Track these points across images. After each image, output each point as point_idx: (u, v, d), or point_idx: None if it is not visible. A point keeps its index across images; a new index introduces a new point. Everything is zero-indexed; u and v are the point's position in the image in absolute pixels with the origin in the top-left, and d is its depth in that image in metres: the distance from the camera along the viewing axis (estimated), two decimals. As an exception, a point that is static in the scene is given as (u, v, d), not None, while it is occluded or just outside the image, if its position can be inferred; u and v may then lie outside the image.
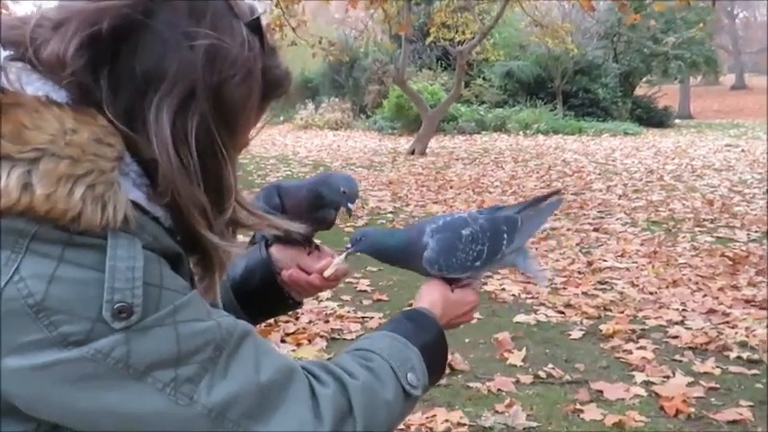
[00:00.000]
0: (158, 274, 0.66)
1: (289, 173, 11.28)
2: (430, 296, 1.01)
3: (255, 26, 0.75)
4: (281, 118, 22.71)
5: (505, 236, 1.06)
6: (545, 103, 19.82)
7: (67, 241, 0.62)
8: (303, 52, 12.59)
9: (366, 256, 1.08)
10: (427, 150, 14.02)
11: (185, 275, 0.72)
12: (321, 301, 4.57)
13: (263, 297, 1.07)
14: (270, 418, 0.70)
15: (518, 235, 1.08)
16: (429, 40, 15.17)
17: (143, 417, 0.65)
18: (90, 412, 0.64)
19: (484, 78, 20.57)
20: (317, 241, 1.18)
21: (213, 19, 0.70)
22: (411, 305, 1.07)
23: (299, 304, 1.15)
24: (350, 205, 1.09)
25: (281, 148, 15.61)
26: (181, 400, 0.65)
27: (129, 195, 0.66)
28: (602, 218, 7.49)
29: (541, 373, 3.46)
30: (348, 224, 6.11)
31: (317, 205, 1.12)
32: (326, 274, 1.08)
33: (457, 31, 14.09)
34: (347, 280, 4.96)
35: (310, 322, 4.13)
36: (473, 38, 14.01)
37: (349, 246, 1.06)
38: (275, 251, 1.12)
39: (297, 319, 4.21)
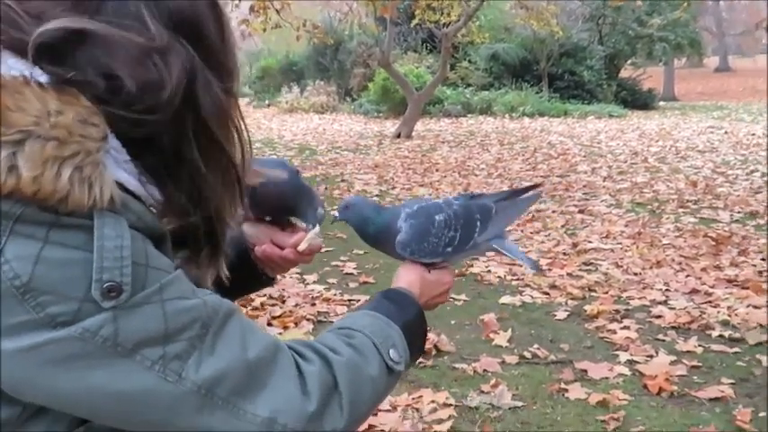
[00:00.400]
0: (144, 253, 0.66)
1: (274, 156, 11.22)
2: (408, 276, 1.03)
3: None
4: (267, 102, 22.57)
5: (478, 224, 1.08)
6: (531, 86, 19.83)
7: (53, 222, 0.62)
8: (288, 35, 12.51)
9: (352, 234, 1.09)
10: (413, 133, 14.00)
11: (168, 254, 0.72)
12: (307, 284, 4.58)
13: (237, 274, 1.07)
14: (258, 395, 0.70)
15: (492, 224, 1.09)
16: (414, 22, 15.10)
17: (132, 394, 0.65)
18: (79, 392, 0.64)
19: (469, 61, 20.52)
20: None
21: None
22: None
23: (273, 280, 1.15)
24: (316, 227, 1.11)
25: (266, 131, 15.53)
26: (170, 377, 0.66)
27: (113, 175, 0.66)
28: (587, 200, 7.53)
29: (527, 354, 3.49)
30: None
31: (287, 211, 1.12)
32: (300, 248, 1.08)
33: (442, 14, 14.01)
34: (333, 263, 4.97)
35: (297, 305, 4.14)
36: (458, 20, 13.96)
37: (336, 213, 1.06)
38: (247, 227, 1.12)
39: (283, 302, 4.21)
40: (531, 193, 1.17)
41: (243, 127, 0.79)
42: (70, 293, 0.61)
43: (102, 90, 0.66)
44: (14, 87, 0.62)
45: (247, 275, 1.10)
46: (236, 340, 0.70)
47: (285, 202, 1.12)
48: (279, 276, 1.19)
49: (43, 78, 0.64)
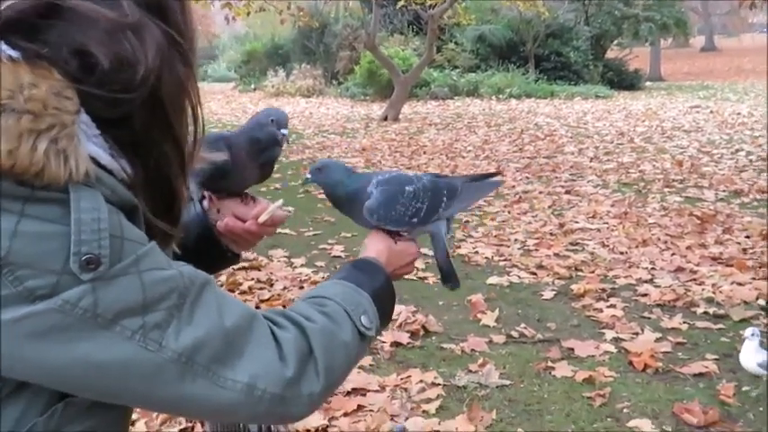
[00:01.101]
0: (119, 226, 0.66)
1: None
2: (375, 246, 1.05)
3: None
4: (252, 86, 22.42)
5: (445, 199, 1.11)
6: (517, 68, 19.80)
7: (28, 196, 0.62)
8: (273, 18, 12.40)
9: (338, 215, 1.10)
10: (400, 116, 13.97)
11: (141, 227, 0.72)
12: (295, 267, 4.58)
13: (202, 252, 1.07)
14: (237, 362, 0.71)
15: (456, 201, 1.12)
16: (400, 4, 14.98)
17: (114, 365, 0.65)
18: (61, 365, 0.64)
19: (456, 43, 20.43)
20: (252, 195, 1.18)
21: None
22: None
23: (238, 257, 1.16)
24: (283, 132, 1.11)
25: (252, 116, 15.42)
26: (150, 346, 0.66)
27: (86, 149, 0.66)
28: (574, 180, 7.56)
29: (514, 333, 3.52)
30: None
31: (258, 149, 1.12)
32: (261, 219, 1.08)
33: (428, -5, 13.93)
34: (320, 246, 4.97)
35: (285, 288, 4.14)
36: (444, 2, 13.87)
37: (308, 174, 1.07)
38: (209, 204, 1.12)
39: (271, 285, 4.22)
40: (493, 179, 1.21)
41: (198, 106, 0.79)
42: (48, 266, 0.62)
43: (76, 68, 0.66)
44: None
45: (212, 252, 1.11)
46: (213, 309, 0.71)
47: (251, 147, 1.12)
48: (244, 253, 1.19)
49: (14, 53, 0.64)
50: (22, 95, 0.62)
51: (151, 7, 0.70)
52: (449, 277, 1.20)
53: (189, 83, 0.75)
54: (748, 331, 2.92)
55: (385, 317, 0.94)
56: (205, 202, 1.12)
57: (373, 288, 0.92)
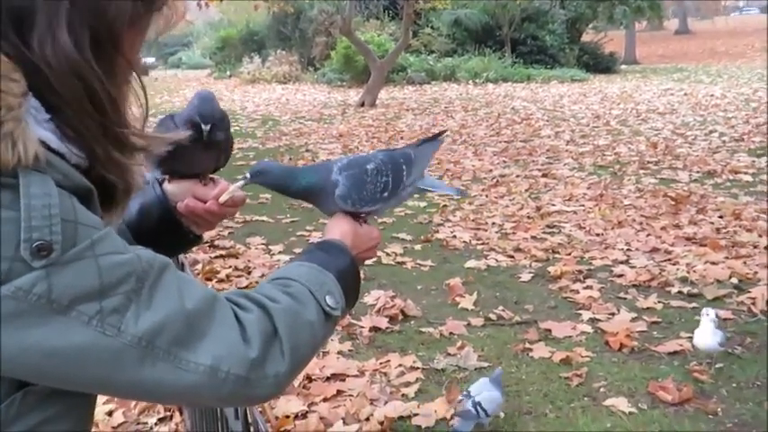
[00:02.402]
0: (72, 210, 0.65)
1: (237, 128, 11.09)
2: (339, 228, 1.04)
3: None
4: (228, 72, 22.21)
5: (404, 167, 1.12)
6: (494, 52, 19.82)
7: None
8: (247, 4, 12.28)
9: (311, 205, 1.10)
10: (377, 102, 13.93)
11: (96, 211, 0.71)
12: (273, 254, 4.57)
13: (163, 234, 1.06)
14: (199, 344, 0.71)
15: (414, 167, 1.14)
16: (375, -12, 14.93)
17: (72, 351, 0.64)
18: (18, 352, 0.63)
19: (432, 27, 20.39)
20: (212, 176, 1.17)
21: None
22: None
23: (200, 238, 1.15)
24: (204, 128, 1.08)
25: (228, 103, 15.30)
26: (108, 331, 0.65)
27: (35, 133, 0.65)
28: (551, 163, 7.60)
29: (492, 316, 3.54)
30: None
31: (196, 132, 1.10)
32: (221, 199, 1.08)
33: (403, -21, 13.88)
34: (298, 233, 4.96)
35: (263, 276, 4.12)
36: (420, -14, 13.85)
37: (247, 175, 1.06)
38: (169, 186, 1.12)
39: (249, 273, 4.20)
40: (439, 136, 1.23)
41: (141, 89, 0.77)
42: (0, 253, 0.61)
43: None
44: None
45: (174, 234, 1.10)
46: (172, 292, 0.70)
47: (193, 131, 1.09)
48: (205, 234, 1.18)
49: None
50: None
51: None
52: (460, 193, 1.34)
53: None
54: (704, 312, 2.96)
55: (351, 297, 0.93)
56: (165, 185, 1.11)
57: (338, 268, 0.91)
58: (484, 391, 2.53)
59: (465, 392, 2.57)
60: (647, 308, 3.58)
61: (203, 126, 1.08)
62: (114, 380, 0.68)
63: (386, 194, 1.08)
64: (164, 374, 0.69)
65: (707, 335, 2.87)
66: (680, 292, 3.77)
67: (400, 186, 1.11)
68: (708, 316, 2.90)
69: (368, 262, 1.14)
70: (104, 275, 0.65)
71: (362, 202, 1.06)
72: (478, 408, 2.48)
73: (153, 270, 0.70)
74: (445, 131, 1.33)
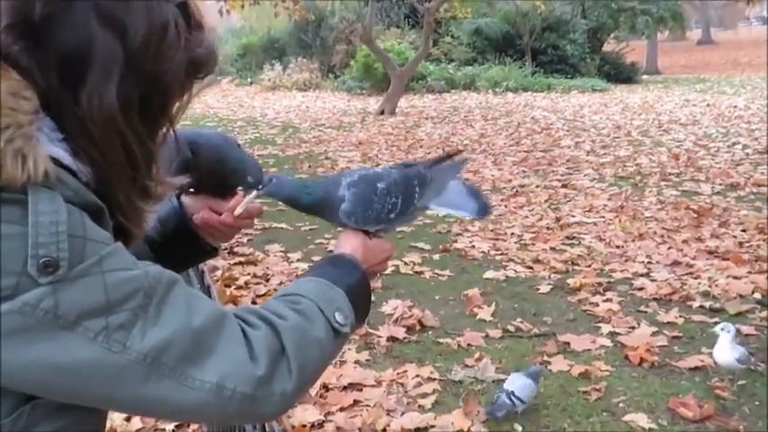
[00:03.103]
0: (81, 226, 0.66)
1: (257, 135, 11.15)
2: (350, 242, 1.03)
3: (183, 5, 0.75)
4: (249, 80, 22.35)
5: (417, 189, 1.10)
6: (514, 61, 19.76)
7: None
8: (269, 11, 12.36)
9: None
10: (396, 110, 13.94)
11: (107, 227, 0.71)
12: (292, 262, 4.58)
13: (180, 246, 1.07)
14: (205, 362, 0.70)
15: (428, 190, 1.12)
16: (396, -3, 14.97)
17: (77, 366, 0.65)
18: (23, 367, 0.63)
19: (452, 36, 20.39)
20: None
21: (143, 2, 0.70)
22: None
23: (217, 250, 1.15)
24: (253, 192, 1.11)
25: (248, 110, 15.40)
26: (114, 347, 0.65)
27: (46, 150, 0.66)
28: (571, 174, 7.56)
29: (510, 327, 3.52)
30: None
31: (225, 177, 1.13)
32: (237, 212, 1.07)
33: (424, -12, 13.89)
34: (317, 241, 4.97)
35: (281, 284, 4.13)
36: (441, -6, 13.85)
37: (259, 187, 1.06)
38: (186, 198, 1.12)
39: (267, 280, 4.21)
40: (457, 159, 1.20)
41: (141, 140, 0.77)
42: (8, 268, 0.61)
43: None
44: None
45: (190, 246, 1.10)
46: (180, 309, 0.70)
47: (223, 171, 1.11)
48: (222, 246, 1.18)
49: None
50: None
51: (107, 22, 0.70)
52: (480, 211, 1.18)
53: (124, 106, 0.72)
54: (719, 327, 2.92)
55: (361, 313, 0.93)
56: (184, 197, 1.11)
57: (348, 284, 0.91)
58: (516, 381, 2.66)
59: (500, 388, 2.68)
60: (668, 322, 3.54)
61: (258, 188, 1.09)
62: (119, 396, 0.68)
63: (392, 216, 1.06)
64: (169, 391, 0.69)
65: (725, 350, 2.83)
66: (701, 306, 3.72)
67: (409, 208, 1.09)
68: (725, 330, 2.86)
69: (386, 271, 1.13)
70: (111, 291, 0.66)
71: (367, 220, 1.05)
72: (512, 397, 2.60)
73: (161, 286, 0.70)
74: (461, 151, 1.31)
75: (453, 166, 1.19)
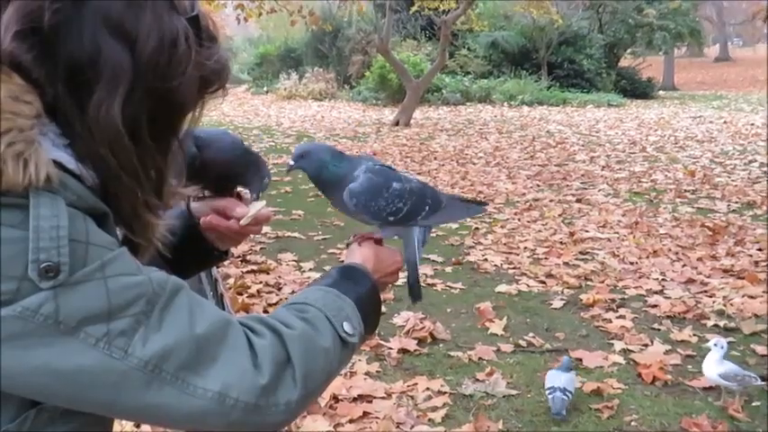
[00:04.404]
0: (84, 231, 0.65)
1: (272, 143, 11.20)
2: (361, 252, 1.02)
3: (195, 20, 0.75)
4: (265, 88, 22.48)
5: (426, 208, 1.08)
6: (530, 74, 19.75)
7: None
8: (286, 21, 12.42)
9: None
10: (411, 121, 13.96)
11: (112, 232, 0.71)
12: (304, 271, 4.58)
13: (187, 250, 1.05)
14: (208, 370, 0.70)
15: (437, 215, 1.10)
16: (413, 9, 15.02)
17: (78, 372, 0.64)
18: (23, 372, 0.63)
19: (468, 49, 20.42)
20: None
21: (153, 14, 0.70)
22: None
23: (226, 254, 1.14)
24: (260, 193, 1.12)
25: (264, 118, 15.48)
26: (115, 353, 0.65)
27: (49, 154, 0.66)
28: (585, 189, 7.53)
29: (522, 342, 3.50)
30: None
31: (236, 176, 1.12)
32: (242, 222, 1.06)
33: (441, 1, 13.93)
34: (329, 250, 4.97)
35: (293, 292, 4.13)
36: (458, 7, 13.88)
37: (291, 162, 1.05)
38: (194, 203, 1.11)
39: (279, 289, 4.22)
40: (479, 206, 1.19)
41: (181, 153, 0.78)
42: (8, 272, 0.61)
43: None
44: None
45: (198, 250, 1.09)
46: (183, 316, 0.70)
47: (230, 171, 1.11)
48: (232, 250, 1.17)
49: None
50: None
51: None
52: (413, 288, 1.14)
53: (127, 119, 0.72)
54: (712, 342, 2.94)
55: (371, 323, 0.92)
56: (192, 201, 1.10)
57: (358, 294, 0.90)
58: (561, 377, 2.78)
59: (549, 388, 2.79)
60: (682, 340, 3.50)
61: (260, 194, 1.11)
62: (120, 403, 0.67)
63: (391, 219, 1.05)
64: (170, 399, 0.68)
65: (711, 366, 2.86)
66: (716, 325, 3.69)
67: (411, 221, 1.07)
68: (717, 346, 2.89)
69: (398, 282, 1.12)
70: (113, 298, 0.65)
71: (367, 210, 1.03)
72: (566, 393, 2.75)
73: (164, 293, 0.69)
74: (488, 203, 1.29)
75: (472, 207, 1.17)
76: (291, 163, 1.05)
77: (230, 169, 1.11)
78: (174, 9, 0.73)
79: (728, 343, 3.44)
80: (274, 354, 0.75)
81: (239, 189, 1.16)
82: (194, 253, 1.09)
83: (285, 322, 0.79)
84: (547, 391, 2.81)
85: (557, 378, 2.80)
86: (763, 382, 2.88)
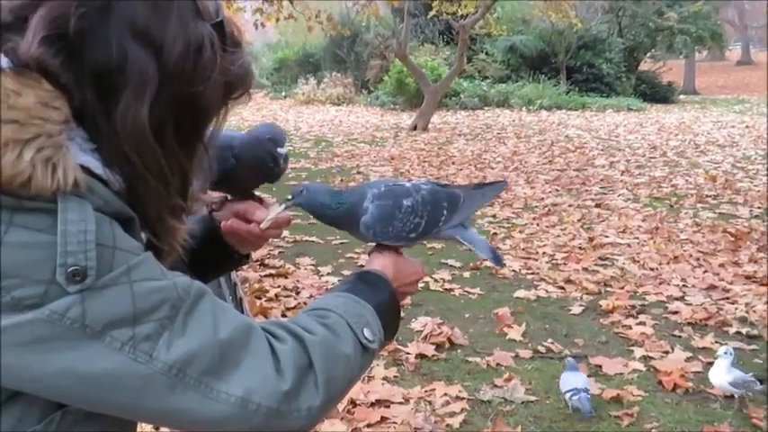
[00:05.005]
0: (110, 235, 0.66)
1: (290, 148, 11.21)
2: (382, 259, 1.02)
3: (219, 25, 0.76)
4: (283, 93, 22.59)
5: (445, 212, 1.06)
6: (548, 79, 19.67)
7: (16, 206, 0.62)
8: (304, 26, 12.48)
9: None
10: (429, 126, 13.95)
11: (137, 237, 0.72)
12: (322, 276, 4.59)
13: (208, 252, 1.06)
14: (231, 375, 0.70)
15: (458, 213, 1.08)
16: (431, 14, 15.02)
17: (103, 376, 0.65)
18: (49, 375, 0.64)
19: (486, 53, 20.39)
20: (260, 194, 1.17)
21: (179, 20, 0.71)
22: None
23: (247, 258, 1.14)
24: (280, 151, 1.11)
25: (282, 123, 15.54)
26: (140, 357, 0.66)
27: (77, 159, 0.66)
28: (605, 194, 7.47)
29: (541, 348, 3.47)
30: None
31: (260, 169, 1.12)
32: (263, 226, 1.06)
33: (459, 5, 13.92)
34: (347, 255, 4.97)
35: (311, 297, 4.14)
36: (476, 12, 13.86)
37: (289, 198, 1.05)
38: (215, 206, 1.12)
39: (297, 293, 4.22)
40: (497, 183, 1.16)
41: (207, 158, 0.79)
42: (36, 276, 0.62)
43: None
44: None
45: (219, 253, 1.10)
46: (207, 321, 0.70)
47: (258, 173, 1.11)
48: (256, 253, 1.17)
49: (4, 63, 0.65)
50: (6, 104, 0.62)
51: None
52: (494, 257, 1.15)
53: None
54: (721, 350, 2.91)
55: (390, 330, 0.92)
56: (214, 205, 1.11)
57: (377, 301, 0.90)
58: (579, 378, 2.85)
59: (570, 390, 2.81)
60: (703, 347, 3.46)
61: (279, 150, 1.09)
62: (143, 406, 0.68)
63: (412, 235, 1.03)
64: (193, 404, 0.69)
65: (721, 373, 2.84)
66: (738, 332, 3.64)
67: (433, 231, 1.06)
68: (727, 354, 2.87)
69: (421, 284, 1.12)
70: (138, 302, 0.66)
71: (385, 236, 1.02)
72: (588, 392, 2.80)
73: (189, 297, 0.70)
74: (505, 182, 1.26)
75: (491, 189, 1.15)
76: (290, 197, 1.05)
77: (260, 172, 1.11)
78: (199, 15, 0.73)
79: (751, 350, 3.41)
80: (296, 359, 0.75)
81: (259, 193, 1.16)
82: (215, 257, 1.10)
83: (307, 328, 0.79)
84: (568, 394, 2.81)
85: (575, 380, 2.83)
86: (762, 386, 2.86)
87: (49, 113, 0.64)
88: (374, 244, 1.06)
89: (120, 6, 0.68)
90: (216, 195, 1.10)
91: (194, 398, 0.68)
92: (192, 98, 0.73)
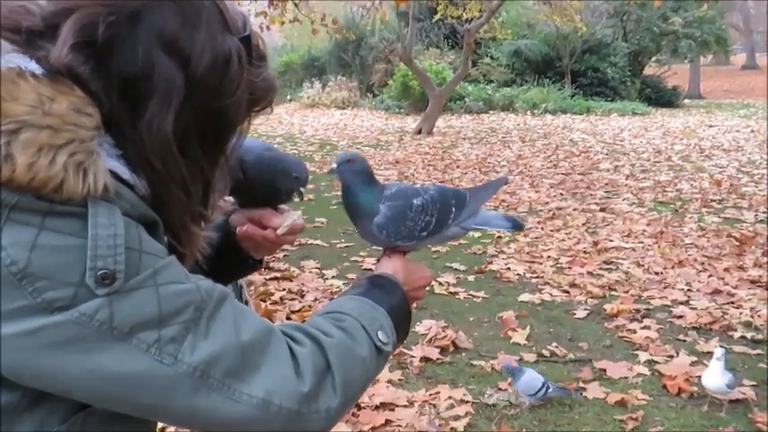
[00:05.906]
0: (137, 239, 0.68)
1: (295, 151, 11.27)
2: (392, 263, 1.05)
3: (246, 39, 0.77)
4: (288, 97, 22.63)
5: (453, 209, 1.09)
6: (553, 83, 19.67)
7: (48, 210, 0.63)
8: (309, 30, 12.50)
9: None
10: (434, 130, 13.97)
11: (161, 241, 0.74)
12: (327, 279, 4.60)
13: (224, 257, 1.07)
14: (253, 377, 0.72)
15: (466, 210, 1.11)
16: (436, 18, 15.05)
17: (129, 377, 0.66)
18: (77, 375, 0.65)
19: (491, 57, 20.41)
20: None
21: (207, 33, 0.72)
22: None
23: (261, 263, 1.16)
24: (302, 190, 1.13)
25: (287, 126, 15.58)
26: (165, 359, 0.67)
27: (106, 164, 0.68)
28: (609, 198, 7.47)
29: (545, 352, 3.48)
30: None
31: (272, 190, 1.13)
32: (279, 232, 1.08)
33: (464, 9, 13.93)
34: (352, 258, 4.98)
35: (316, 300, 4.16)
36: (481, 16, 13.87)
37: (334, 164, 1.07)
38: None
39: (302, 297, 4.23)
40: (498, 179, 1.20)
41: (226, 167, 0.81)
42: (66, 279, 0.63)
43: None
44: (10, 78, 0.64)
45: (234, 258, 1.12)
46: (229, 323, 0.72)
47: (268, 183, 1.12)
48: (266, 258, 1.19)
49: (38, 70, 0.66)
50: (41, 110, 0.64)
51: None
52: (515, 225, 1.17)
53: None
54: (717, 352, 2.90)
55: (401, 333, 0.94)
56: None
57: (390, 304, 0.92)
58: (535, 376, 2.90)
59: (540, 389, 2.85)
60: (708, 352, 3.45)
61: (302, 189, 1.12)
62: (168, 407, 0.69)
63: (425, 234, 1.07)
64: (216, 405, 0.70)
65: (716, 375, 2.84)
66: (743, 337, 3.64)
67: (443, 227, 1.09)
68: (722, 357, 2.86)
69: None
70: (164, 305, 0.67)
71: (398, 236, 1.05)
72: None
73: (212, 300, 0.71)
74: (507, 179, 1.30)
75: (494, 183, 1.18)
76: (334, 166, 1.06)
77: (270, 183, 1.12)
78: (227, 29, 0.74)
79: (756, 355, 3.41)
80: (315, 362, 0.77)
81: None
82: (230, 261, 1.11)
83: (324, 331, 0.81)
84: (541, 392, 2.86)
85: (536, 380, 2.88)
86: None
87: (81, 119, 0.66)
88: (380, 249, 1.08)
89: (150, 16, 0.69)
90: (230, 201, 1.11)
91: (217, 399, 0.70)
92: (218, 111, 0.75)
